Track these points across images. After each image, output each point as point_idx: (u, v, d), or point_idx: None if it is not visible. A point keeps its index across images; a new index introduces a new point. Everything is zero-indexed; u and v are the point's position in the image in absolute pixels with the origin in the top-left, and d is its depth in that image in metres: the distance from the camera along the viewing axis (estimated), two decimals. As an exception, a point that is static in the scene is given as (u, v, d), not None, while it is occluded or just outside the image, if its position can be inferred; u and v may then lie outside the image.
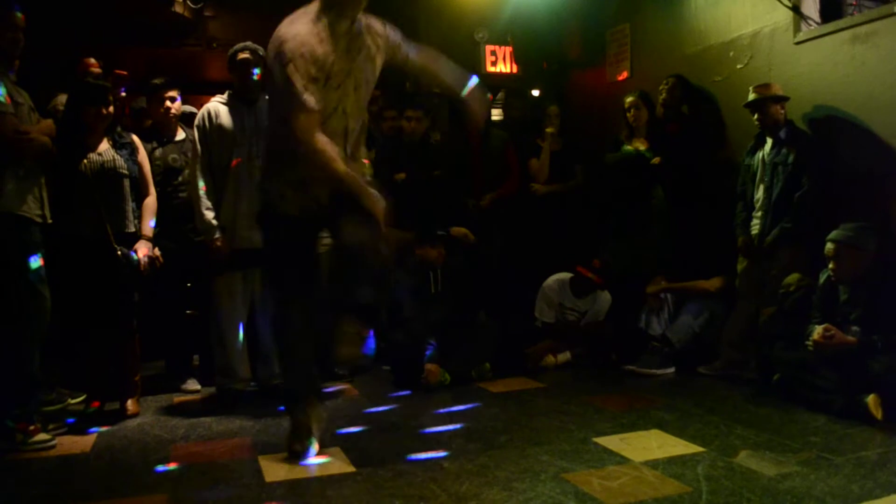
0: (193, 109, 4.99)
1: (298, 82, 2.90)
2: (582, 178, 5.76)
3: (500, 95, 6.72)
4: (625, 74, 6.28)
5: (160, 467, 3.21)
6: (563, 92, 6.85)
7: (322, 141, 2.97)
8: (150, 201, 4.13)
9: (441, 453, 3.25)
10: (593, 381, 4.69)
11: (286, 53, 2.92)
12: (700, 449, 3.18)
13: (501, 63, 7.03)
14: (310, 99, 2.92)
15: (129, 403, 4.05)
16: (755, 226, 4.52)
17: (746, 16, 5.07)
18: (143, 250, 3.97)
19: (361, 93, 3.20)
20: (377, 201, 3.02)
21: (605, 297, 5.20)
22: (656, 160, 5.14)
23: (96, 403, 4.00)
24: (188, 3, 6.12)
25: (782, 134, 4.40)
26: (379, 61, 3.24)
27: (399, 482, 2.91)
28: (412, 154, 5.35)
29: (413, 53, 3.38)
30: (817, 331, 3.75)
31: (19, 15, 3.47)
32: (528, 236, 5.47)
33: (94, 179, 3.84)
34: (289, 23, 3.03)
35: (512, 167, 5.57)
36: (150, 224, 4.08)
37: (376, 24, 3.23)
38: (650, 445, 3.27)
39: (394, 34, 3.29)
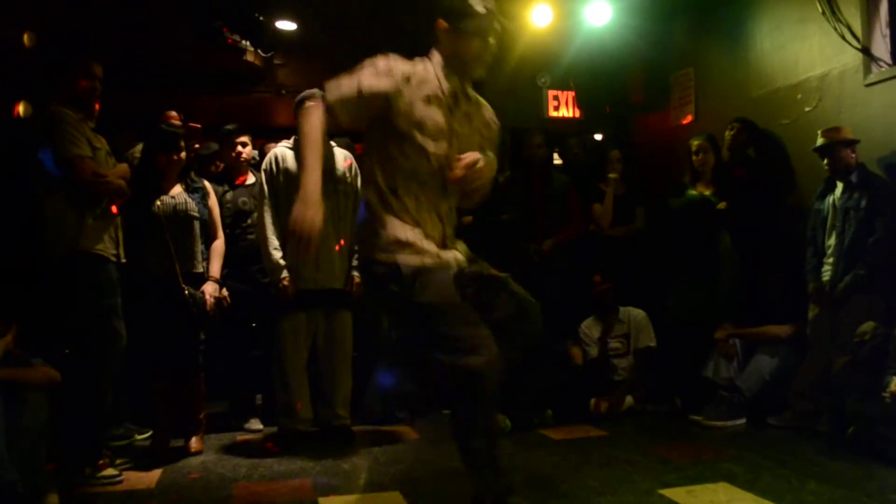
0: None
1: (343, 80, 2.59)
2: (643, 222, 5.71)
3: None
4: (689, 118, 6.23)
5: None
6: (627, 136, 6.83)
7: (314, 125, 2.57)
8: (219, 244, 4.25)
9: (501, 500, 3.20)
10: (657, 430, 4.58)
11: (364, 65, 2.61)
12: (771, 504, 3.07)
13: (564, 108, 7.05)
14: (333, 94, 2.57)
15: (194, 441, 4.12)
16: (826, 272, 4.39)
17: (814, 58, 5.00)
18: (210, 291, 4.08)
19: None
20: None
21: (637, 312, 5.10)
22: (722, 205, 5.06)
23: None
24: (259, 52, 6.33)
25: (853, 178, 4.29)
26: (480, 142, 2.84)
27: (459, 529, 2.87)
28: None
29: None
30: (894, 382, 3.60)
31: (97, 65, 3.65)
32: (590, 281, 5.41)
33: (166, 221, 3.99)
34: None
35: (573, 211, 5.55)
36: (217, 266, 4.20)
37: (490, 112, 2.93)
38: (718, 499, 3.16)
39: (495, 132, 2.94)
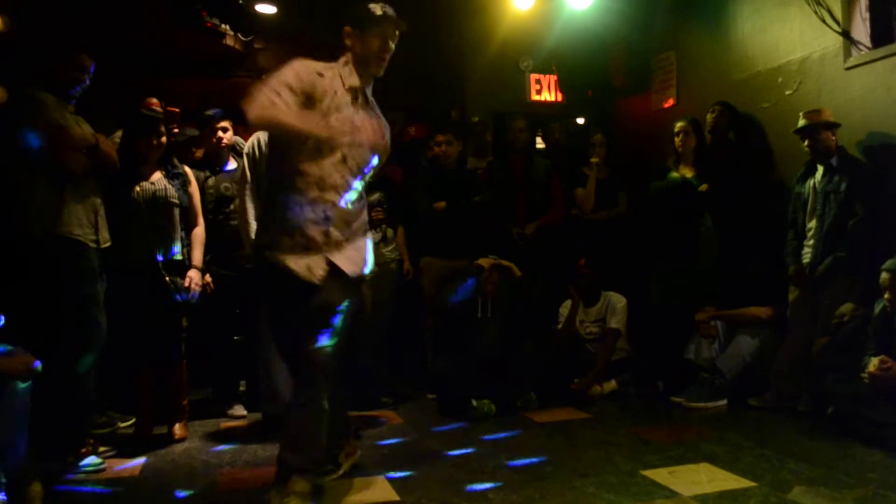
0: (241, 140, 5.09)
1: (272, 82, 2.80)
2: (625, 205, 5.73)
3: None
4: (671, 102, 6.25)
5: (206, 492, 3.24)
6: (609, 120, 6.84)
7: (263, 104, 2.76)
8: (199, 231, 4.23)
9: (486, 484, 3.22)
10: (640, 412, 4.62)
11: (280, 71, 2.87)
12: (751, 484, 3.10)
13: (546, 92, 7.06)
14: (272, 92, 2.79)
15: (177, 428, 4.11)
16: (807, 255, 4.44)
17: (795, 41, 5.02)
18: (195, 279, 4.06)
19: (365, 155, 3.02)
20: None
21: (618, 299, 5.14)
22: (704, 187, 5.09)
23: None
24: (238, 36, 6.27)
25: (834, 161, 4.32)
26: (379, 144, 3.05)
27: (443, 512, 2.89)
28: (450, 181, 5.35)
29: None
30: (873, 363, 3.65)
31: (87, 57, 3.61)
32: (573, 264, 5.44)
33: (145, 207, 3.95)
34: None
35: (556, 195, 5.56)
36: (200, 254, 4.17)
37: (385, 123, 3.14)
38: (700, 479, 3.20)
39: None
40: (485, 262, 4.89)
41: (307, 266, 2.87)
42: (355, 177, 2.97)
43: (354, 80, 2.99)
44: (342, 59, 3.01)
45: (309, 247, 2.88)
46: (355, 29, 2.97)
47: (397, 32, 3.00)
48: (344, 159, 2.92)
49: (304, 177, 2.87)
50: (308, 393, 2.82)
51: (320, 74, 2.92)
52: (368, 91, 3.08)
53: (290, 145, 2.87)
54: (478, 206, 5.31)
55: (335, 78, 2.96)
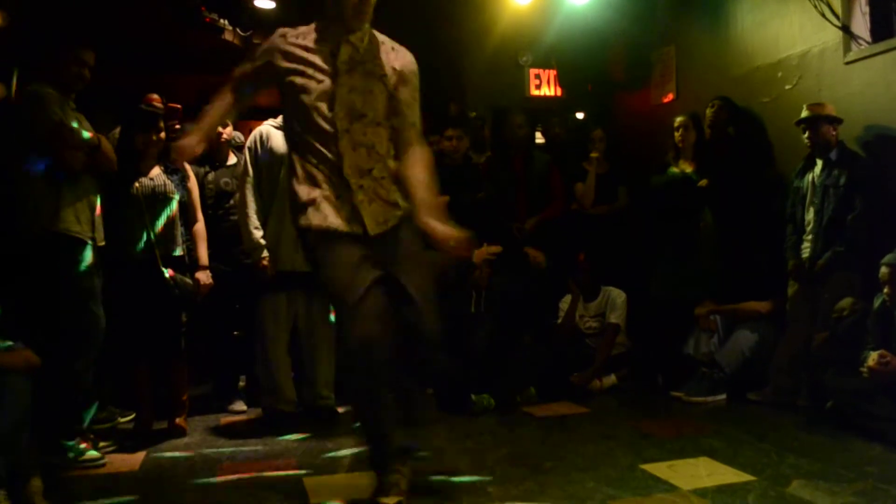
0: (241, 135, 5.09)
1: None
2: (625, 200, 5.73)
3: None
4: (670, 97, 6.24)
5: (207, 487, 3.24)
6: (608, 114, 6.83)
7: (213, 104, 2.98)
8: (200, 227, 4.23)
9: (486, 478, 3.22)
10: (640, 407, 4.63)
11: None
12: (751, 478, 3.10)
13: (546, 86, 7.05)
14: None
15: (177, 423, 4.11)
16: (806, 249, 4.43)
17: (794, 36, 5.01)
18: (203, 279, 4.10)
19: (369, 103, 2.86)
20: None
21: (617, 294, 5.14)
22: (703, 182, 5.09)
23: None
24: (237, 30, 6.26)
25: (833, 155, 4.32)
26: (385, 72, 2.89)
27: (443, 506, 2.90)
28: (455, 176, 5.35)
29: (407, 127, 2.96)
30: (872, 357, 3.65)
31: (90, 52, 3.60)
32: (573, 259, 5.43)
33: (144, 203, 3.94)
34: None
35: (556, 190, 5.55)
36: (204, 251, 4.18)
37: (402, 55, 2.98)
38: (699, 473, 3.20)
39: (411, 80, 2.98)
40: (479, 253, 4.87)
41: (347, 219, 2.77)
42: (352, 123, 2.79)
43: (332, 36, 2.83)
44: (314, 24, 2.89)
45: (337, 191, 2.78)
46: None
47: None
48: (330, 106, 2.77)
49: (307, 128, 2.80)
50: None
51: (290, 42, 2.85)
52: (361, 44, 2.85)
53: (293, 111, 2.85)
54: (481, 201, 5.31)
55: (309, 43, 2.84)
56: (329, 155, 2.79)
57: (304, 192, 2.80)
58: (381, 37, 2.95)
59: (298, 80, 2.81)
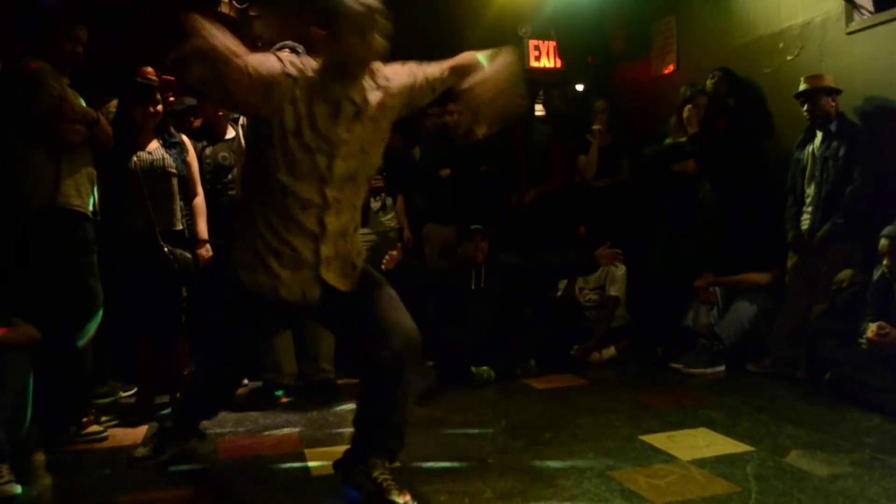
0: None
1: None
2: (628, 172, 5.70)
3: (540, 93, 6.69)
4: (671, 67, 6.19)
5: (208, 459, 3.27)
6: (609, 86, 6.78)
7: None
8: (200, 201, 4.20)
9: (486, 449, 3.25)
10: (639, 378, 4.65)
11: None
12: (749, 448, 3.13)
13: (545, 58, 6.98)
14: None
15: (179, 397, 4.12)
16: (805, 221, 4.43)
17: (797, 6, 4.96)
18: (203, 253, 4.10)
19: (353, 165, 2.62)
20: None
21: (617, 266, 5.11)
22: (691, 164, 5.06)
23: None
24: (234, 2, 6.19)
25: (833, 127, 4.30)
26: (386, 117, 2.69)
27: (444, 478, 2.92)
28: (458, 149, 5.34)
29: (438, 70, 2.79)
30: (871, 328, 3.66)
31: (83, 28, 3.56)
32: (575, 232, 5.43)
33: (143, 177, 3.91)
34: None
35: (555, 162, 5.53)
36: (204, 225, 4.16)
37: (398, 78, 2.71)
38: (698, 444, 3.23)
39: (404, 75, 2.73)
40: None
41: (301, 291, 2.58)
42: (343, 189, 2.60)
43: (332, 91, 2.54)
44: (315, 66, 2.56)
45: (300, 264, 2.57)
46: (324, 30, 2.50)
47: (380, 22, 2.51)
48: (323, 179, 2.54)
49: (286, 192, 2.52)
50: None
51: (290, 77, 2.50)
52: (361, 96, 2.60)
53: (267, 148, 2.52)
54: (484, 174, 5.30)
55: (306, 87, 2.52)
56: (309, 226, 2.56)
57: (263, 263, 2.57)
58: (377, 67, 2.66)
59: (293, 141, 2.51)
